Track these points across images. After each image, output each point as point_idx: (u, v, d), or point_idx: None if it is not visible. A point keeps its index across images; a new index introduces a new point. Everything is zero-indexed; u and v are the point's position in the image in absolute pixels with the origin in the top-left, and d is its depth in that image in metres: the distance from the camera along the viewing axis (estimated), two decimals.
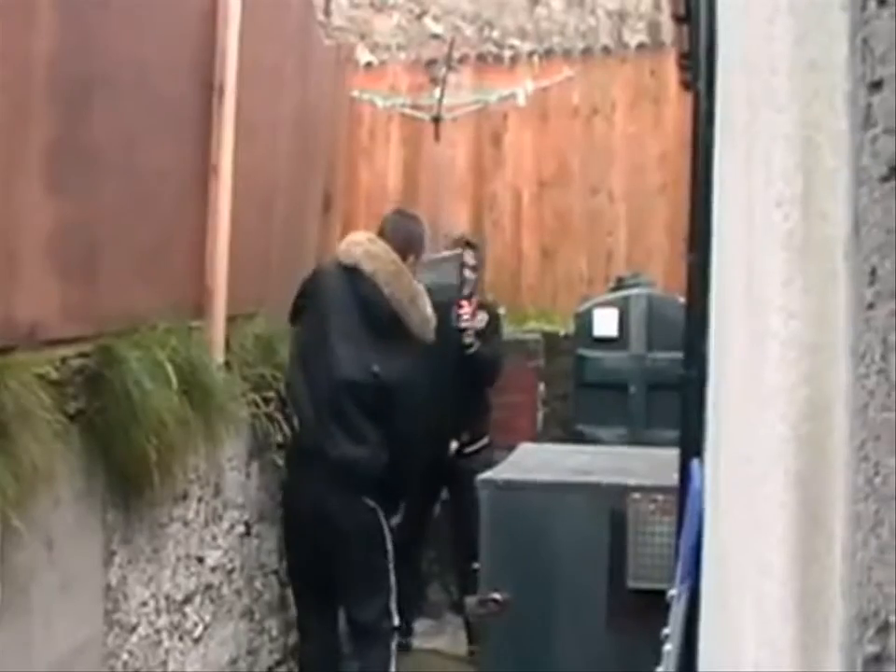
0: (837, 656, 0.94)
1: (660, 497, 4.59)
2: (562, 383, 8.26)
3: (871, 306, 0.89)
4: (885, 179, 0.89)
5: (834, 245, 1.00)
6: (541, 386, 8.49)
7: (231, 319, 5.63)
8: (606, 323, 7.78)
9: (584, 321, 7.89)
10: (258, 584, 6.07)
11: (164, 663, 5.01)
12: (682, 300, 3.90)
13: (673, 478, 3.71)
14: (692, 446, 3.23)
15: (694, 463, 3.12)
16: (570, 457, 5.65)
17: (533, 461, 5.54)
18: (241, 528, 5.85)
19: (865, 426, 0.89)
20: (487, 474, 5.18)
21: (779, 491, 1.21)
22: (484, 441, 7.28)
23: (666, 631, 3.15)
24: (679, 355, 3.93)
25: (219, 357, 5.45)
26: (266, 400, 5.77)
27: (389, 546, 5.78)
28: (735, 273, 1.92)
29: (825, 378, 1.05)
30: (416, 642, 7.45)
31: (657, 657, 3.21)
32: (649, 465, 5.12)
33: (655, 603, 3.59)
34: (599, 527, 4.77)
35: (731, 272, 2.06)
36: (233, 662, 5.76)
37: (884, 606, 0.86)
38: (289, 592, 6.34)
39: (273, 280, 6.39)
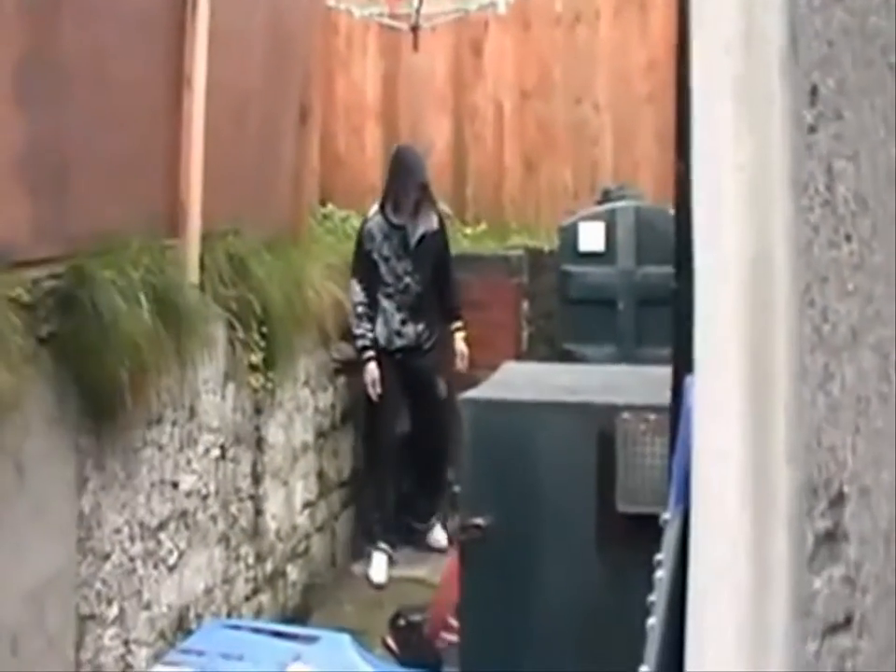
0: (784, 535, 0.83)
1: (651, 416, 4.42)
2: (547, 300, 8.13)
3: (812, 129, 0.79)
4: None
5: (772, 70, 0.87)
6: (525, 304, 8.35)
7: (205, 237, 5.55)
8: (592, 237, 7.67)
9: (569, 235, 7.78)
10: (233, 509, 5.97)
11: (139, 591, 4.95)
12: (673, 211, 3.74)
13: (665, 396, 3.58)
14: (685, 362, 3.11)
15: (688, 380, 3.00)
16: (557, 376, 5.48)
17: (517, 380, 5.38)
18: (216, 452, 5.74)
19: (810, 266, 0.79)
20: (469, 393, 5.02)
21: (731, 362, 1.05)
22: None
23: (659, 557, 3.08)
24: (670, 269, 3.80)
25: (193, 276, 5.37)
26: (241, 321, 5.63)
27: None
28: (701, 141, 1.79)
29: (770, 227, 0.90)
30: (398, 572, 7.38)
31: (649, 584, 3.13)
32: (639, 383, 4.95)
33: (647, 528, 3.46)
34: (587, 449, 4.60)
35: (698, 143, 1.94)
36: (209, 591, 5.67)
37: (837, 474, 0.75)
38: (263, 519, 6.30)
39: (247, 194, 6.29)
